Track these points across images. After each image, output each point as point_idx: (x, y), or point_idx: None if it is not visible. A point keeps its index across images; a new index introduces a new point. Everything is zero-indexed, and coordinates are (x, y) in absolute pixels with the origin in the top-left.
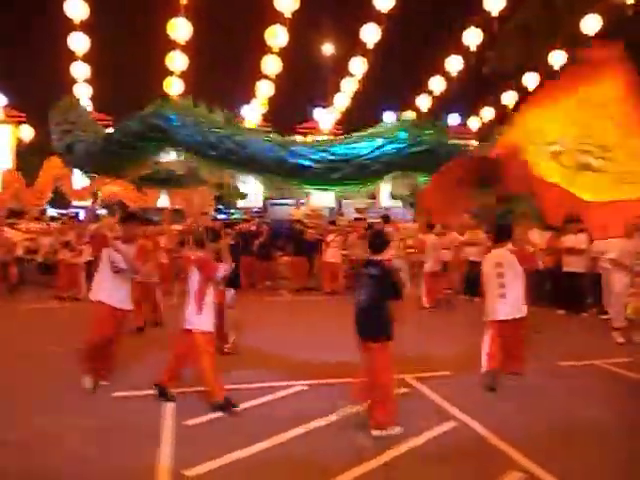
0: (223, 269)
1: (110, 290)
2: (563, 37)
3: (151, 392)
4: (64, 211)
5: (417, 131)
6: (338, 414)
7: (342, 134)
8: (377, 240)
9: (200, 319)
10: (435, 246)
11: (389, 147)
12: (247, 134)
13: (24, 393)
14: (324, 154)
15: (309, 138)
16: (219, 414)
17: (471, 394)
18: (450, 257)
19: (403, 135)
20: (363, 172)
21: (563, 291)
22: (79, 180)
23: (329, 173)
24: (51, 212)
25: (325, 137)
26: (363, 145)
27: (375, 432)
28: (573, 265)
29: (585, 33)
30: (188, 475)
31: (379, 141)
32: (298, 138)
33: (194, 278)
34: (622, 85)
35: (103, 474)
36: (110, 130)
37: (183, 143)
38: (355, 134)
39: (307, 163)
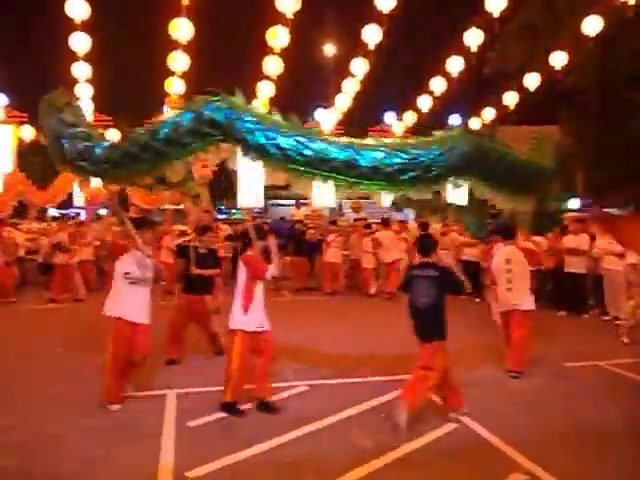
0: (272, 269)
1: (126, 304)
2: (565, 38)
3: (152, 393)
4: (65, 211)
5: (454, 138)
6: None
7: (343, 135)
8: (426, 243)
9: (246, 319)
10: None
11: (448, 153)
12: (313, 135)
13: (25, 393)
14: (398, 159)
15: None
16: (221, 415)
17: (472, 395)
18: (451, 258)
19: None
20: (428, 174)
21: (565, 292)
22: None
23: (398, 175)
24: (53, 212)
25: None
26: (431, 148)
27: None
28: (575, 266)
29: (587, 34)
30: (190, 476)
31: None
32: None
33: (242, 277)
34: None
35: (105, 475)
36: (150, 127)
37: (242, 140)
38: (425, 138)
39: (379, 165)
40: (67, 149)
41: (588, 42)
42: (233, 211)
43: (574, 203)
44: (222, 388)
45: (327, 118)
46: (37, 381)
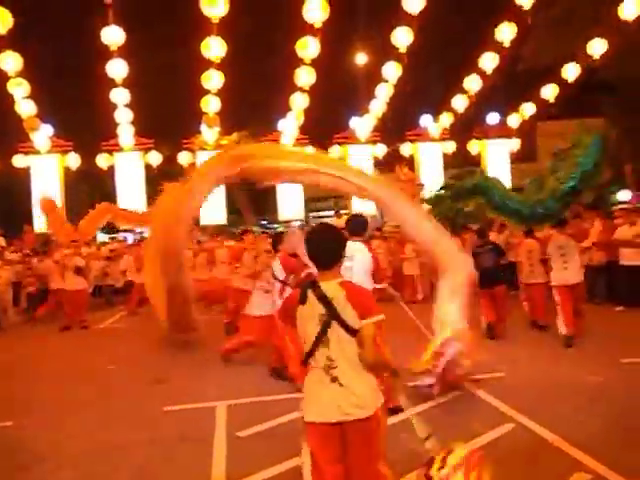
0: None
1: None
2: (602, 25)
3: (203, 405)
4: (114, 235)
5: None
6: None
7: (380, 141)
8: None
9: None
10: None
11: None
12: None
13: (76, 410)
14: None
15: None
16: (270, 424)
17: (527, 395)
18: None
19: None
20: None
21: (621, 286)
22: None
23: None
24: (101, 237)
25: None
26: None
27: None
28: (631, 258)
29: (624, 19)
30: None
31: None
32: (334, 149)
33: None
34: None
35: None
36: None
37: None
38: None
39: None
40: None
41: (627, 27)
42: (275, 225)
43: (624, 195)
44: (270, 398)
45: (362, 126)
46: (88, 398)
